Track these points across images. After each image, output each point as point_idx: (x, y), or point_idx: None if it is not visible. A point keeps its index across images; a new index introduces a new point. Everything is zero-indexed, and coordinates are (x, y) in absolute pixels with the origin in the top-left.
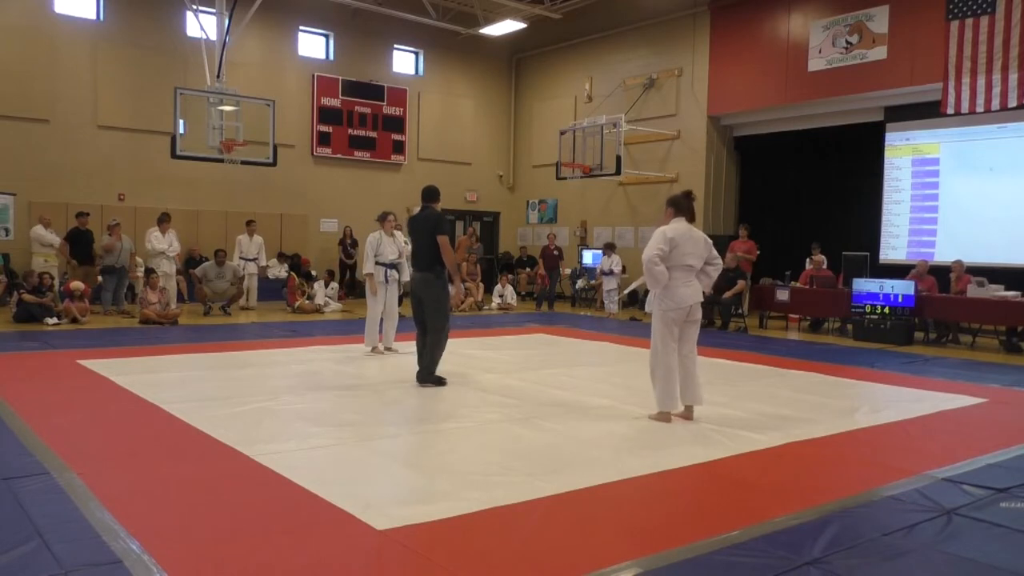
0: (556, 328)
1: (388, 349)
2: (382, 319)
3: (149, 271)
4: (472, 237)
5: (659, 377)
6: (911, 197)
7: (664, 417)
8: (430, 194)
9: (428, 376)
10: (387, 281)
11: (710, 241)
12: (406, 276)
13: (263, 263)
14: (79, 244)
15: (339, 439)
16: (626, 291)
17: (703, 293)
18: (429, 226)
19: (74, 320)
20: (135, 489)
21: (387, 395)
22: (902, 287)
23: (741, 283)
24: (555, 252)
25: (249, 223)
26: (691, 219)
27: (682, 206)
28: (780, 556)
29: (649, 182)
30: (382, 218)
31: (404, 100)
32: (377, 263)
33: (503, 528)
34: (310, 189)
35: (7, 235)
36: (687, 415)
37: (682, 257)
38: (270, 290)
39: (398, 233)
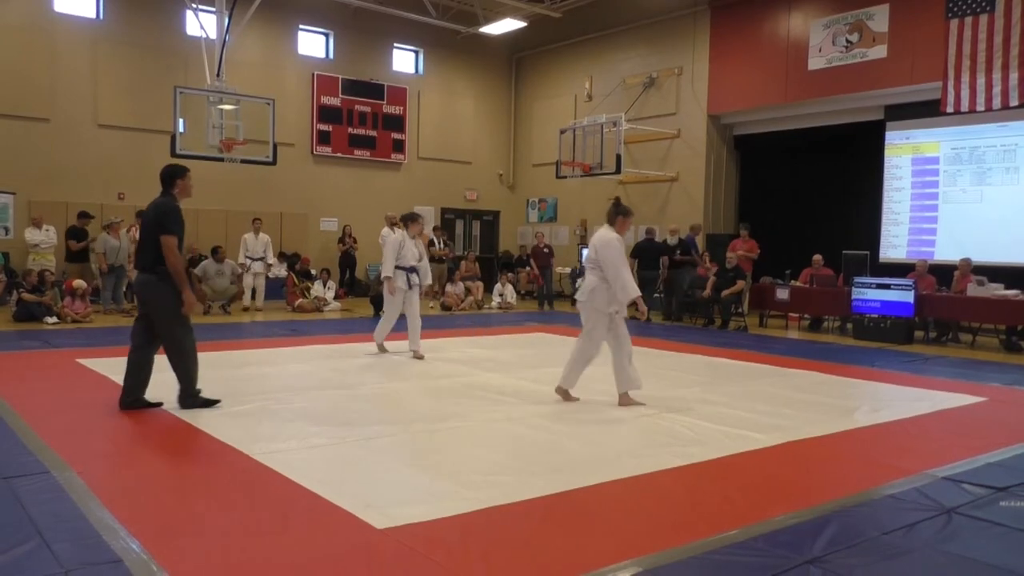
0: (556, 327)
1: (415, 353)
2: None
3: None
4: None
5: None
6: (911, 196)
7: (634, 399)
8: (166, 177)
9: (189, 399)
10: (410, 286)
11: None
12: (428, 279)
13: (270, 261)
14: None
15: (339, 439)
16: None
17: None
18: (155, 218)
19: (81, 319)
20: (135, 488)
21: (387, 395)
22: (899, 296)
23: (740, 283)
24: (545, 250)
25: (255, 221)
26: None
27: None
28: (780, 555)
29: (649, 181)
30: (411, 218)
31: (404, 99)
32: (397, 266)
33: (503, 528)
34: (310, 188)
35: (7, 234)
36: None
37: None
38: (270, 289)
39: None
